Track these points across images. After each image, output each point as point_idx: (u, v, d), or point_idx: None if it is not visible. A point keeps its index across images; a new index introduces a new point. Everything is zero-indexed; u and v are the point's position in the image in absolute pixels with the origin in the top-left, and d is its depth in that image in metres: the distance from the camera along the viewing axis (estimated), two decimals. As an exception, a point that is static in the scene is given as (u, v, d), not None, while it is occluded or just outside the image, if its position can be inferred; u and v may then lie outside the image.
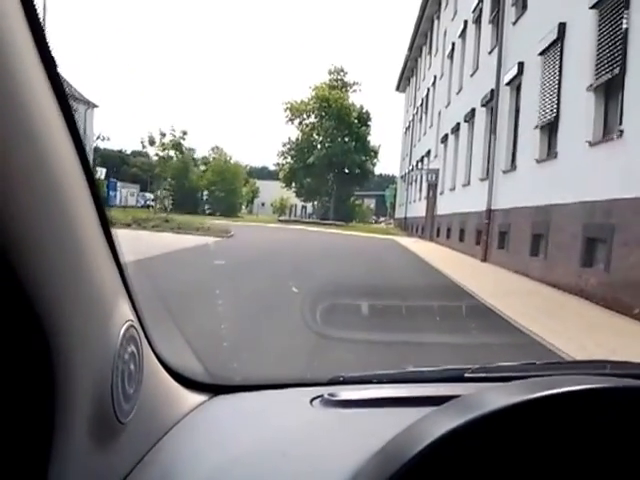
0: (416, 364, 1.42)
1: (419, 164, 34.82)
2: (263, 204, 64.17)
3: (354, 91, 52.20)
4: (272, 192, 57.90)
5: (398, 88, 48.73)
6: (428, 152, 30.77)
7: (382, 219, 68.26)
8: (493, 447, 0.73)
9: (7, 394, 0.60)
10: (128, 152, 73.43)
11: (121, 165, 65.26)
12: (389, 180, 79.16)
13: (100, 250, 0.74)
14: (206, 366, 1.36)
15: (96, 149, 40.15)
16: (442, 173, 25.86)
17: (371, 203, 59.83)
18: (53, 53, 0.61)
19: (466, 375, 1.26)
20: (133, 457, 0.86)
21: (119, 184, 49.59)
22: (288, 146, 51.41)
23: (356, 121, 49.69)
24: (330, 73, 51.75)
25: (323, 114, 49.82)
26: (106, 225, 0.75)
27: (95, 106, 42.46)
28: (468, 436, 0.72)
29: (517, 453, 0.74)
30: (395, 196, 42.24)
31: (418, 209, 32.95)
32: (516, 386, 0.82)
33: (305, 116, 50.85)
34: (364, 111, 51.15)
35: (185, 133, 46.65)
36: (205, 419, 1.10)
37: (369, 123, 51.22)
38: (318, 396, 1.15)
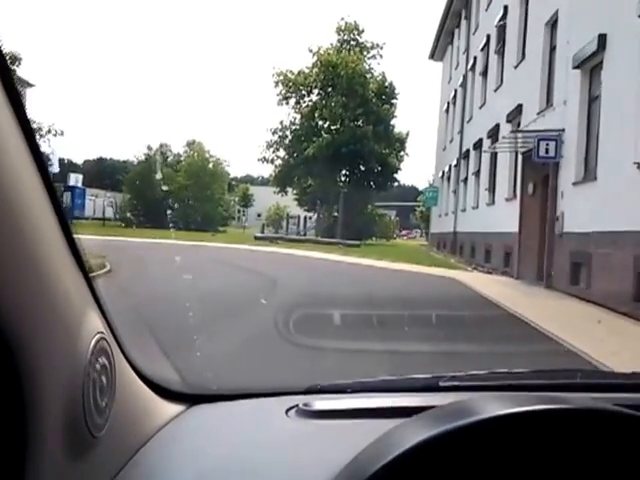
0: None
1: (471, 153, 20.80)
2: (259, 215, 49.90)
3: (372, 57, 37.43)
4: (271, 200, 44.32)
5: (433, 55, 34.70)
6: (511, 119, 16.49)
7: (404, 233, 53.70)
8: (458, 462, 0.75)
9: None
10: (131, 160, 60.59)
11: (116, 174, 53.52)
12: (411, 192, 64.35)
13: (64, 262, 0.74)
14: (182, 375, 1.37)
15: (101, 159, 38.47)
16: (576, 138, 11.63)
17: (391, 215, 44.73)
18: (5, 57, 0.61)
19: (440, 384, 1.28)
20: (109, 471, 0.86)
21: (91, 192, 39.47)
22: (280, 134, 36.97)
23: (375, 96, 35.44)
24: (339, 32, 37.23)
25: (329, 87, 35.64)
26: (70, 237, 0.74)
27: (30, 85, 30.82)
28: (434, 449, 0.73)
29: (481, 470, 0.75)
30: (430, 201, 27.45)
31: (487, 219, 18.72)
32: (486, 398, 0.84)
33: (304, 92, 36.61)
34: (387, 82, 36.79)
35: None
36: (182, 430, 1.11)
37: (394, 100, 36.86)
38: (293, 406, 1.16)
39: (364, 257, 19.47)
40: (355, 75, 34.48)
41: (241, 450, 1.01)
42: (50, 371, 0.67)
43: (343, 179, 37.20)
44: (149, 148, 40.49)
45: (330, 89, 35.64)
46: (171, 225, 35.71)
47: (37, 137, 0.67)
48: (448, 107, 30.96)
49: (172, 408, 1.16)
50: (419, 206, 40.62)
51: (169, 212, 38.06)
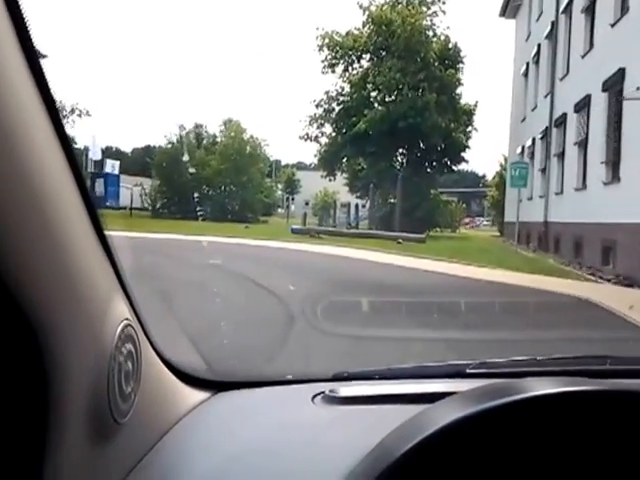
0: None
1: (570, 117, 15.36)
2: (307, 203, 44.99)
3: (434, 13, 31.55)
4: (320, 186, 39.48)
5: (505, 11, 29.07)
6: None
7: (466, 221, 47.83)
8: (483, 445, 0.76)
9: (3, 394, 0.61)
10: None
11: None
12: (469, 178, 58.12)
13: (92, 249, 0.75)
14: (208, 362, 1.44)
15: (148, 147, 36.02)
16: None
17: (456, 202, 38.71)
18: (36, 48, 0.61)
19: (467, 371, 1.28)
20: (132, 457, 0.87)
21: (135, 181, 36.46)
22: (325, 106, 31.45)
23: (437, 59, 29.74)
24: (394, -16, 31.04)
25: (382, 50, 30.18)
26: (98, 224, 0.75)
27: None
28: (458, 434, 0.75)
29: (505, 453, 0.77)
30: (518, 181, 21.43)
31: (606, 204, 13.36)
32: (497, 387, 0.85)
33: (354, 57, 31.16)
34: (451, 44, 30.94)
35: None
36: (208, 417, 1.13)
37: (459, 65, 31.03)
38: (319, 393, 1.17)
39: (440, 258, 14.25)
40: (414, 34, 28.80)
41: (267, 436, 1.02)
42: (76, 357, 0.68)
43: (400, 159, 31.45)
44: (182, 128, 36.26)
45: (384, 52, 30.08)
46: (200, 215, 31.61)
47: (63, 121, 0.67)
48: (527, 69, 25.32)
49: (197, 395, 1.17)
50: (489, 190, 34.63)
51: (199, 200, 33.89)
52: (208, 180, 34.43)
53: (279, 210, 45.62)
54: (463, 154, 31.86)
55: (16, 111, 0.57)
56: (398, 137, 28.73)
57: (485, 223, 49.21)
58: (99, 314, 0.75)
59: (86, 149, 34.49)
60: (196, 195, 34.32)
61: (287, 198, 46.10)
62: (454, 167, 32.77)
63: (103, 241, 0.77)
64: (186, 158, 34.10)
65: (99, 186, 33.29)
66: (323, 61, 31.27)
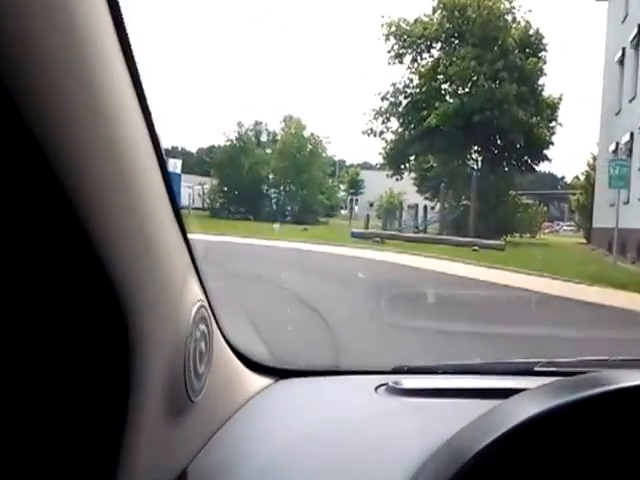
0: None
1: None
2: (371, 204, 42.55)
3: (513, -4, 28.51)
4: (386, 187, 37.12)
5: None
6: None
7: (545, 226, 44.34)
8: (561, 442, 0.74)
9: (89, 368, 0.65)
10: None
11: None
12: (547, 180, 54.31)
13: (173, 234, 0.78)
14: (271, 349, 1.44)
15: (213, 147, 35.10)
16: None
17: (536, 205, 35.27)
18: (133, 48, 0.63)
19: (535, 369, 1.26)
20: (202, 435, 0.90)
21: (199, 181, 35.62)
22: (392, 99, 28.90)
23: (517, 46, 26.77)
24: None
25: (455, 39, 27.51)
26: (176, 208, 0.78)
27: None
28: (536, 430, 0.73)
29: (584, 449, 0.75)
30: (617, 182, 18.36)
31: None
32: (582, 380, 0.83)
33: (423, 46, 28.58)
34: (532, 30, 27.83)
35: None
36: (271, 402, 1.15)
37: (542, 53, 28.00)
38: (383, 384, 1.17)
39: (526, 271, 11.68)
40: (491, 19, 26.04)
41: (331, 424, 1.02)
42: (157, 336, 0.70)
43: (475, 157, 28.60)
44: (240, 125, 34.75)
45: (457, 40, 27.43)
46: (258, 215, 30.02)
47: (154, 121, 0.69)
48: (623, 55, 22.33)
49: (261, 381, 1.20)
50: (579, 192, 31.23)
51: (257, 200, 32.36)
52: (267, 179, 33.03)
53: (342, 211, 43.52)
54: (546, 152, 28.77)
55: (119, 113, 0.60)
56: (473, 132, 25.90)
57: (565, 228, 45.65)
58: (177, 295, 0.77)
59: None
60: (254, 195, 32.78)
61: (350, 199, 43.86)
62: (535, 166, 29.72)
63: (180, 223, 0.79)
64: (262, 153, 32.91)
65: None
66: (389, 51, 28.70)
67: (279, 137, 35.64)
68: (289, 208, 32.99)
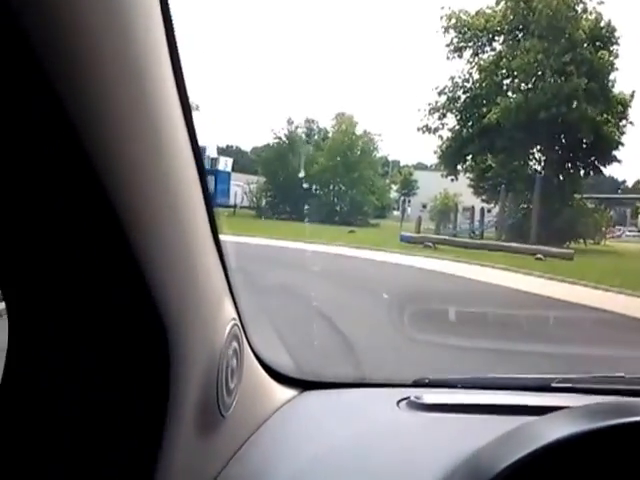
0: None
1: None
2: (424, 206, 40.97)
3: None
4: (440, 188, 35.49)
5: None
6: None
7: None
8: (581, 470, 0.74)
9: (131, 384, 0.67)
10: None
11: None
12: (607, 184, 51.33)
13: (210, 252, 0.79)
14: (297, 362, 1.41)
15: (267, 145, 33.36)
16: None
17: (602, 210, 32.73)
18: (179, 49, 0.64)
19: (553, 385, 1.26)
20: (231, 448, 0.93)
21: (240, 178, 35.03)
22: (449, 94, 27.35)
23: (587, 39, 24.81)
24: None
25: (519, 31, 25.73)
26: (214, 227, 0.79)
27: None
28: (561, 453, 0.74)
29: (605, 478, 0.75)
30: None
31: None
32: (606, 407, 0.87)
33: (485, 40, 26.94)
34: (603, 22, 25.68)
35: None
36: (296, 413, 1.17)
37: (613, 46, 25.87)
38: (404, 398, 1.19)
39: (606, 287, 10.07)
40: (560, 9, 24.21)
41: (354, 436, 1.04)
42: (194, 354, 0.72)
43: (538, 157, 26.76)
44: (289, 122, 33.85)
45: (521, 33, 25.76)
46: (305, 216, 29.03)
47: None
48: None
49: (286, 392, 1.21)
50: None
51: (304, 199, 31.32)
52: (315, 178, 31.73)
53: (394, 212, 42.11)
54: (615, 152, 26.64)
55: (164, 120, 0.61)
56: (536, 130, 24.02)
57: (627, 234, 43.08)
58: (213, 314, 0.79)
59: (203, 148, 34.09)
60: (301, 194, 31.82)
61: (402, 200, 42.38)
62: (602, 168, 27.59)
63: (217, 243, 0.80)
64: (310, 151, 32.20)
65: (209, 183, 32.45)
66: (448, 45, 27.15)
67: (330, 135, 34.73)
68: (337, 209, 31.93)
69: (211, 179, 33.26)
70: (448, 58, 27.68)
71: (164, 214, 0.62)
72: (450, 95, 27.24)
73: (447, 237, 22.43)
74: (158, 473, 0.67)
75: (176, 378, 0.68)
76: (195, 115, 0.67)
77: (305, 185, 31.89)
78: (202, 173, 0.72)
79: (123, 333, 0.64)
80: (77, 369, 0.66)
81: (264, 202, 32.95)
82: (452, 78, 27.36)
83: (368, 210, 32.76)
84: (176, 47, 0.62)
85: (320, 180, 31.91)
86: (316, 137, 36.18)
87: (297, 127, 34.37)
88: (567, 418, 0.79)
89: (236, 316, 0.90)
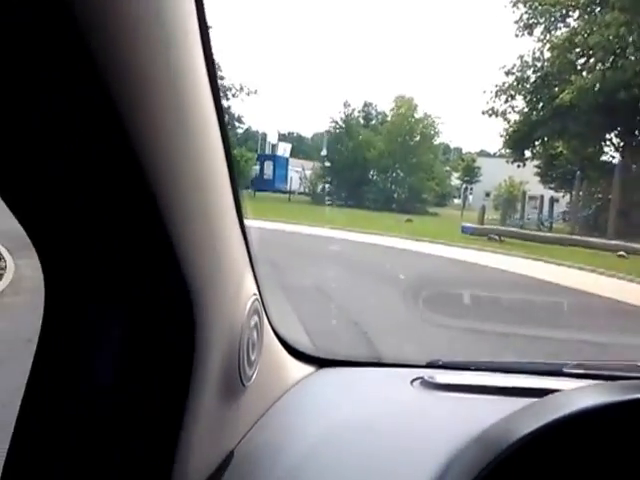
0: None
1: None
2: (488, 194, 38.93)
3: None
4: (504, 175, 33.46)
5: None
6: None
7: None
8: (590, 445, 0.75)
9: (158, 354, 0.70)
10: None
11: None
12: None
13: (235, 232, 0.83)
14: (313, 340, 1.45)
15: (328, 131, 32.07)
16: None
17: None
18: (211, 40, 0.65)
19: (564, 370, 1.26)
20: (251, 418, 0.97)
21: (301, 164, 34.05)
22: (518, 74, 25.20)
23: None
24: None
25: (597, 5, 23.49)
26: (238, 204, 0.82)
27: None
28: (566, 432, 0.75)
29: (613, 453, 0.76)
30: None
31: None
32: (615, 386, 0.86)
33: (558, 15, 24.79)
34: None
35: None
36: (312, 389, 1.21)
37: None
38: (418, 377, 1.20)
39: None
40: (645, -22, 21.94)
41: (367, 413, 1.06)
42: (217, 327, 0.76)
43: (616, 142, 24.49)
44: (346, 105, 32.50)
45: (599, 7, 23.56)
46: (361, 202, 27.72)
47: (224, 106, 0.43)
48: None
49: (303, 368, 1.25)
50: None
51: (361, 185, 29.97)
52: (372, 163, 30.55)
53: (455, 201, 40.21)
54: None
55: (196, 110, 0.63)
56: (614, 113, 21.84)
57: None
58: (236, 290, 0.83)
59: (264, 134, 35.78)
60: (357, 180, 30.47)
61: (464, 188, 40.38)
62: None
63: (240, 219, 0.84)
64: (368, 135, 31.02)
65: (267, 168, 32.74)
66: (517, 21, 25.18)
67: (389, 118, 33.19)
68: (394, 196, 30.48)
69: (269, 164, 32.99)
70: (517, 35, 25.70)
71: (191, 193, 0.64)
72: (519, 75, 25.24)
73: (515, 229, 20.42)
74: (183, 437, 0.70)
75: (201, 350, 0.70)
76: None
77: (361, 171, 30.62)
78: (229, 153, 0.74)
79: (154, 302, 0.68)
80: (110, 341, 0.69)
81: (319, 188, 32.09)
82: (521, 57, 25.35)
83: (427, 198, 31.19)
84: (206, 26, 0.62)
85: (377, 165, 30.72)
86: (374, 121, 34.75)
87: (354, 110, 33.07)
88: (593, 391, 0.81)
89: (257, 291, 0.93)
